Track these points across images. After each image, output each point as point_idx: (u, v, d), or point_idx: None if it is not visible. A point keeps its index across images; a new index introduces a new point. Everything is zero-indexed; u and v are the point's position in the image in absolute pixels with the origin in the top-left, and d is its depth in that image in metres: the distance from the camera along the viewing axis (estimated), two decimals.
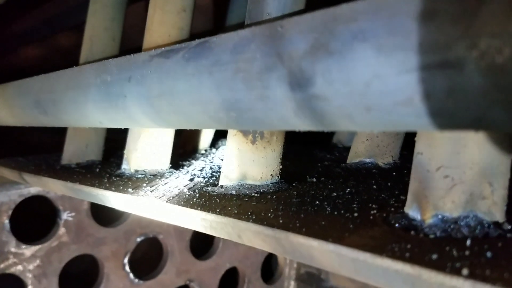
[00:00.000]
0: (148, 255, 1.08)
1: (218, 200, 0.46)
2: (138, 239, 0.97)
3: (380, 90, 0.24)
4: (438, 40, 0.22)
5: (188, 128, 0.41)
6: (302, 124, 0.30)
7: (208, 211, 0.43)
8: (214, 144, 0.90)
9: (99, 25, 0.73)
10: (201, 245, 1.10)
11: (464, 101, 0.22)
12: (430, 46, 0.22)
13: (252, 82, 0.30)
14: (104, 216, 0.94)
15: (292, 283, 1.21)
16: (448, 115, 0.23)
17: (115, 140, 0.78)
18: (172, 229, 1.01)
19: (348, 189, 0.47)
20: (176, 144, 0.70)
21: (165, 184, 0.56)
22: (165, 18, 0.59)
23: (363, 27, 0.24)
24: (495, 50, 0.20)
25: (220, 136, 0.91)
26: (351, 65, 0.25)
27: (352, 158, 0.61)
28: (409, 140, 0.55)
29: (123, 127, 0.48)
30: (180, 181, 0.57)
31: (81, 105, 0.48)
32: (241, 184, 0.49)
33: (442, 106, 0.22)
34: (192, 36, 0.56)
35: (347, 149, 0.71)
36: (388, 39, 0.23)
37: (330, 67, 0.26)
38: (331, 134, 0.86)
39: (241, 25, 0.41)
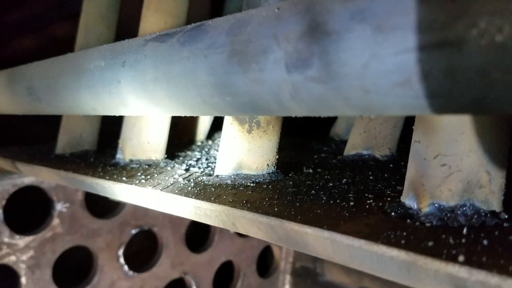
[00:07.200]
0: (144, 247, 1.07)
1: (213, 189, 0.46)
2: (133, 231, 0.97)
3: (378, 71, 0.23)
4: (437, 19, 0.21)
5: (182, 114, 0.40)
6: (298, 108, 0.29)
7: (202, 199, 0.42)
8: (210, 136, 0.89)
9: (95, 13, 0.72)
10: (197, 238, 1.10)
11: (463, 81, 0.21)
12: (429, 25, 0.21)
13: (247, 64, 0.29)
14: (99, 207, 0.93)
15: (288, 277, 1.21)
16: (446, 96, 0.22)
17: (111, 132, 0.78)
18: (167, 222, 1.00)
19: (345, 180, 0.47)
20: (172, 135, 0.70)
21: (160, 173, 0.55)
22: (162, 5, 0.58)
23: (361, 6, 0.24)
24: (495, 28, 0.20)
25: (216, 128, 0.90)
26: (349, 46, 0.24)
27: (349, 150, 0.61)
28: (406, 134, 0.54)
29: (117, 114, 0.48)
30: (175, 171, 0.56)
31: (75, 91, 0.47)
32: (236, 174, 0.49)
33: (440, 87, 0.22)
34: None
35: (344, 142, 0.71)
36: (386, 19, 0.23)
37: (327, 48, 0.25)
38: (328, 127, 0.86)
39: None
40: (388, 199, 0.39)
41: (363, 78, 0.24)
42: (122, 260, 0.95)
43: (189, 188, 0.47)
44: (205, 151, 0.72)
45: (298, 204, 0.39)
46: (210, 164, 0.60)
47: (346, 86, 0.25)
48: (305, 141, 0.79)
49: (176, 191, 0.46)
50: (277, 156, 0.51)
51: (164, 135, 0.64)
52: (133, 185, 0.50)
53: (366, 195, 0.41)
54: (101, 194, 0.57)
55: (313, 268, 1.16)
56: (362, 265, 0.30)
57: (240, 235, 1.13)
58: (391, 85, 0.23)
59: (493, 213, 0.32)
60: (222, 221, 0.41)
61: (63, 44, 0.82)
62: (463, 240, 0.28)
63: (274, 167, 0.51)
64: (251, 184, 0.47)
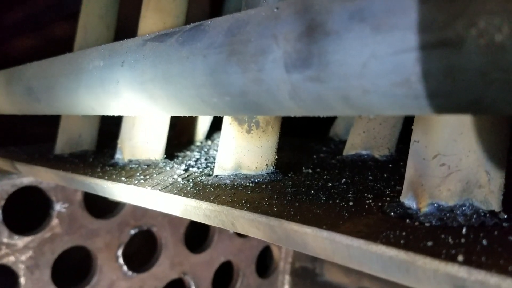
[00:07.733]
0: (143, 247, 1.07)
1: (212, 189, 0.45)
2: (132, 231, 0.97)
3: (377, 71, 0.23)
4: (436, 18, 0.21)
5: (181, 114, 0.40)
6: (297, 108, 0.29)
7: (201, 200, 0.42)
8: (209, 136, 0.89)
9: (94, 13, 0.72)
10: (196, 238, 1.10)
11: (462, 81, 0.21)
12: (428, 24, 0.21)
13: (246, 64, 0.29)
14: (98, 207, 0.93)
15: (287, 277, 1.21)
16: (445, 96, 0.22)
17: (110, 132, 0.78)
18: (167, 222, 1.00)
19: (344, 180, 0.47)
20: (171, 136, 0.70)
21: (159, 173, 0.55)
22: (161, 5, 0.58)
23: (360, 6, 0.24)
24: (495, 28, 0.20)
25: (215, 128, 0.90)
26: (348, 46, 0.24)
27: (348, 150, 0.61)
28: (406, 134, 0.54)
29: (115, 114, 0.48)
30: (174, 171, 0.56)
31: (73, 91, 0.47)
32: (235, 174, 0.49)
33: (439, 87, 0.22)
34: None
35: (343, 142, 0.70)
36: (385, 18, 0.23)
37: (326, 48, 0.25)
38: (327, 127, 0.86)
39: None
40: (387, 199, 0.39)
41: (362, 78, 0.24)
42: (121, 260, 0.95)
43: (188, 188, 0.47)
44: (204, 151, 0.72)
45: (297, 204, 0.39)
46: (209, 164, 0.60)
47: (345, 86, 0.25)
48: (304, 141, 0.79)
49: (175, 191, 0.46)
50: (276, 156, 0.51)
51: (163, 135, 0.64)
52: (132, 185, 0.50)
53: (365, 195, 0.41)
54: (100, 194, 0.57)
55: (312, 268, 1.16)
56: (361, 265, 0.30)
57: (240, 235, 1.13)
58: (390, 85, 0.23)
59: (492, 213, 0.32)
60: (221, 221, 0.41)
61: (62, 44, 0.82)
62: (462, 240, 0.28)
63: (273, 167, 0.51)
64: (250, 184, 0.46)
